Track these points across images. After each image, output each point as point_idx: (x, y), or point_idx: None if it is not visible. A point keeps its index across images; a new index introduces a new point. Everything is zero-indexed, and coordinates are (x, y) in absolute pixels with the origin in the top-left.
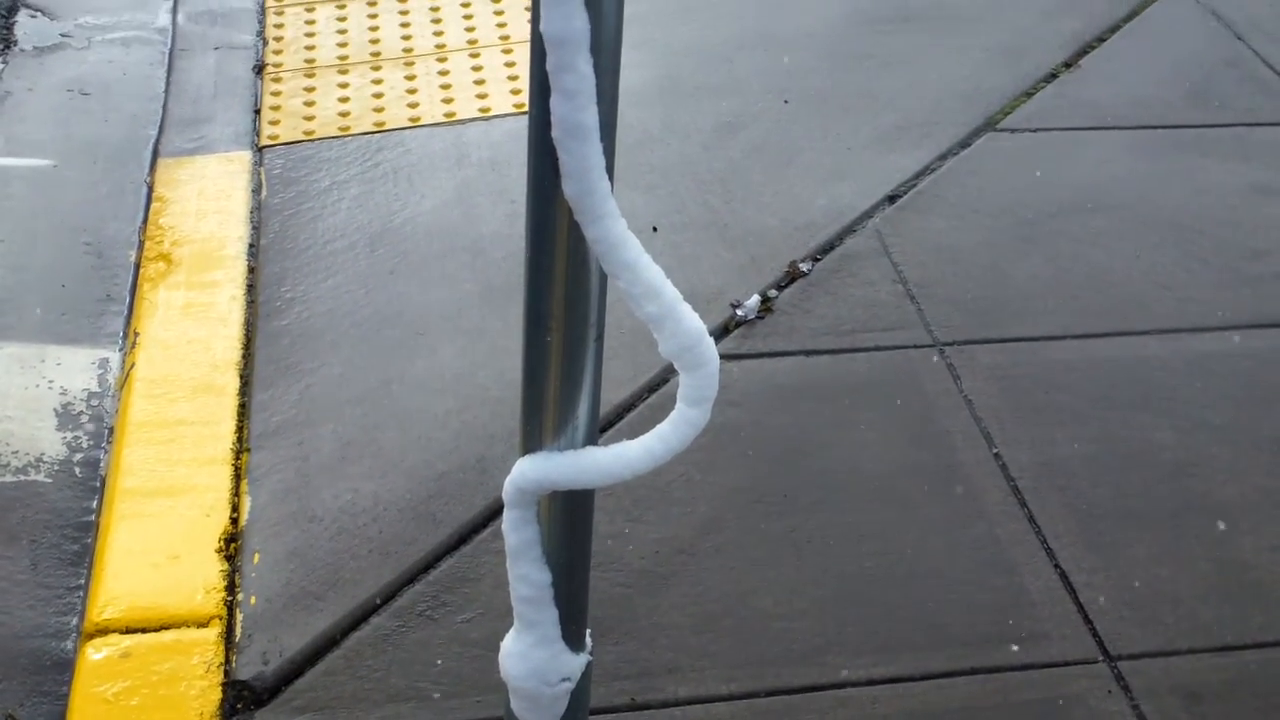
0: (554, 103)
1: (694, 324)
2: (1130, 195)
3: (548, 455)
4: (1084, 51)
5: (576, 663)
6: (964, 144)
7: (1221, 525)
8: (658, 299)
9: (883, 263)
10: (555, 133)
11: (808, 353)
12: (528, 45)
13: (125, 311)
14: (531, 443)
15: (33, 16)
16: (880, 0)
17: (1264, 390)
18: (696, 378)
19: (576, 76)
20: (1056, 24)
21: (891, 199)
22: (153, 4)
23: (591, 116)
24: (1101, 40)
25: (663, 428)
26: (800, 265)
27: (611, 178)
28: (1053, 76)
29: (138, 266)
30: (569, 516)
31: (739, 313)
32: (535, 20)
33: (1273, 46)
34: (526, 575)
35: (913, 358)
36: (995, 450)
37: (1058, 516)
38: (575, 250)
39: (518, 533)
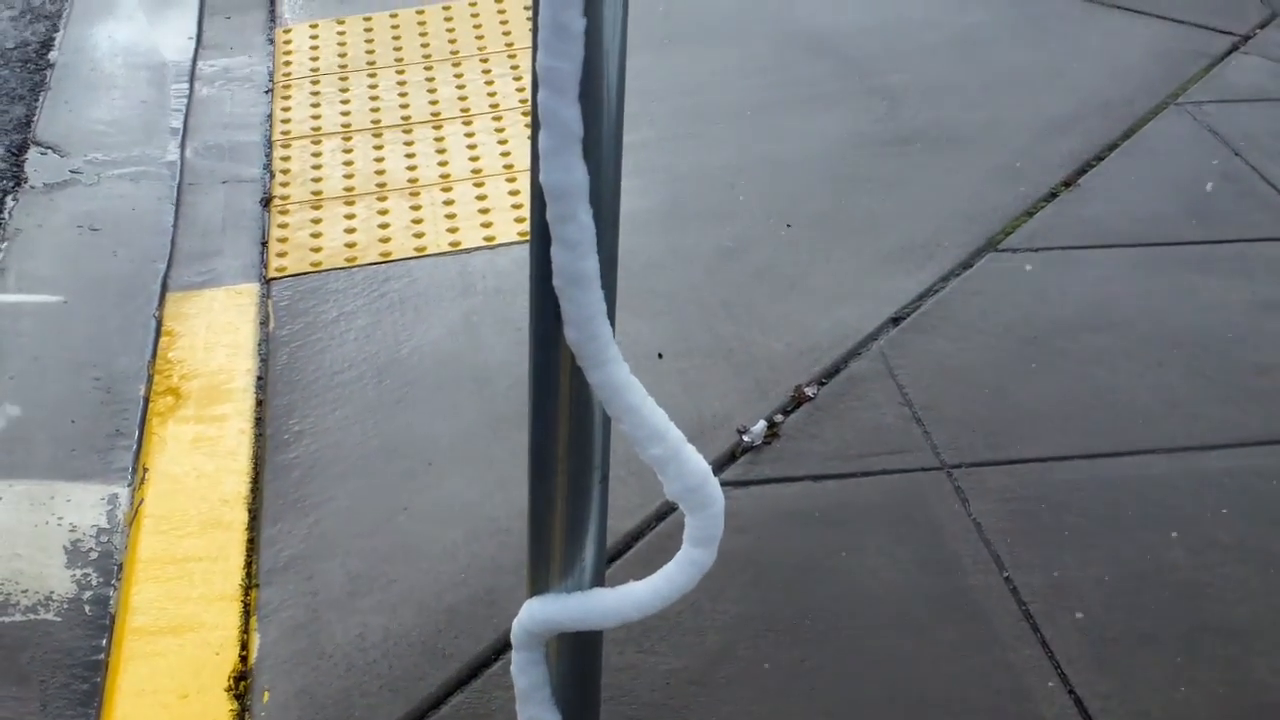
0: (555, 252)
1: (699, 466)
2: (1134, 313)
3: (555, 597)
4: (1083, 170)
5: None
6: (966, 264)
7: (1235, 647)
8: (662, 442)
9: (888, 385)
10: (557, 281)
11: (815, 478)
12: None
13: (134, 446)
14: (539, 584)
15: (43, 154)
16: (879, 122)
17: (1275, 508)
18: (702, 519)
19: (577, 226)
20: (1055, 143)
21: (895, 321)
22: (162, 139)
23: (592, 265)
24: (1100, 159)
25: (669, 568)
26: (806, 389)
27: (614, 312)
28: (1053, 196)
29: (146, 401)
30: (578, 655)
31: (745, 438)
32: (534, 171)
33: (1270, 162)
34: (536, 718)
35: (920, 481)
36: (1006, 574)
37: (1071, 640)
38: (578, 394)
39: (526, 675)
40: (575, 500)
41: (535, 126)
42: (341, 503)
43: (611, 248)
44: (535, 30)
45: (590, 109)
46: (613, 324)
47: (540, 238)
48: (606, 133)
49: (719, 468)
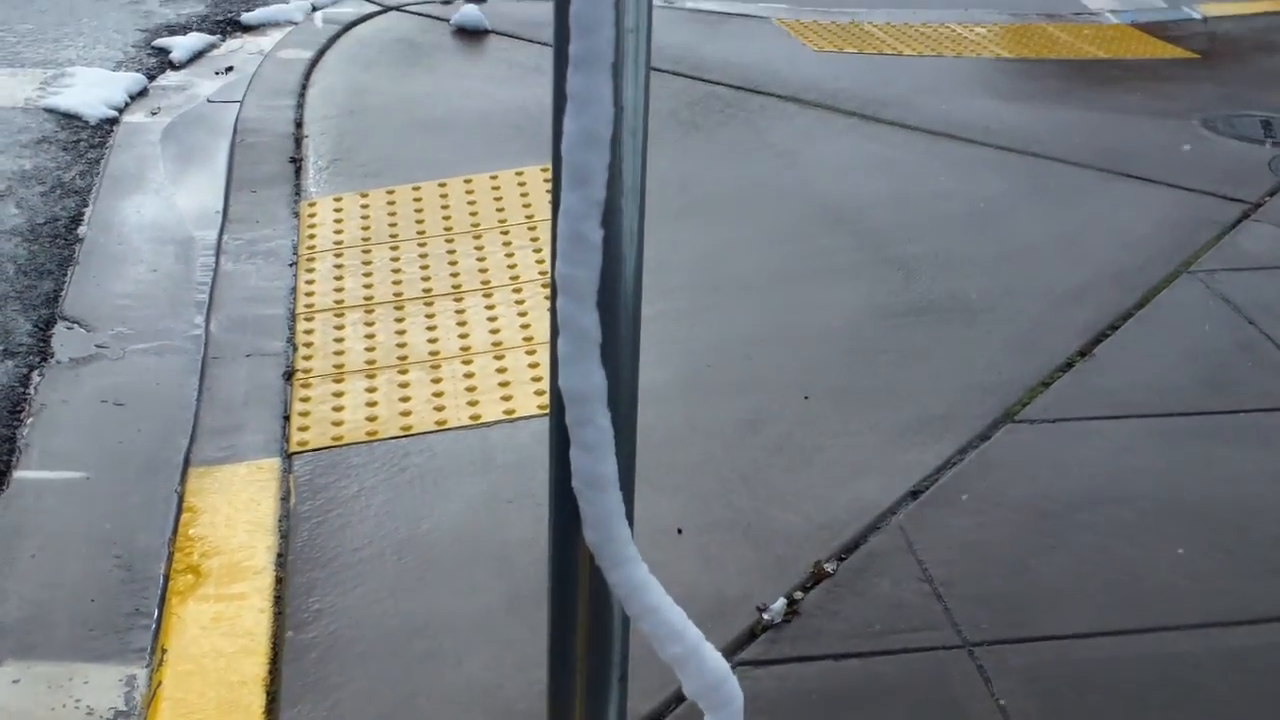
0: (574, 455)
1: (718, 664)
2: (1152, 485)
3: None
4: (1098, 340)
5: None
6: (984, 436)
7: None
8: (681, 641)
9: (908, 561)
10: (575, 483)
11: (836, 657)
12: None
13: (153, 626)
14: None
15: (70, 328)
16: (895, 293)
17: None
18: (722, 716)
19: (595, 430)
20: (1069, 313)
21: (914, 495)
22: (187, 313)
23: (611, 467)
24: (1114, 328)
25: None
26: (825, 565)
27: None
28: (1069, 366)
29: (166, 579)
30: None
31: (765, 617)
32: (554, 375)
33: None
34: None
35: (943, 659)
36: None
37: None
38: (598, 593)
39: None
40: (594, 698)
41: (554, 332)
42: (360, 685)
43: (630, 449)
44: (554, 238)
45: (608, 315)
46: (631, 498)
47: (559, 439)
48: (624, 338)
49: (739, 647)
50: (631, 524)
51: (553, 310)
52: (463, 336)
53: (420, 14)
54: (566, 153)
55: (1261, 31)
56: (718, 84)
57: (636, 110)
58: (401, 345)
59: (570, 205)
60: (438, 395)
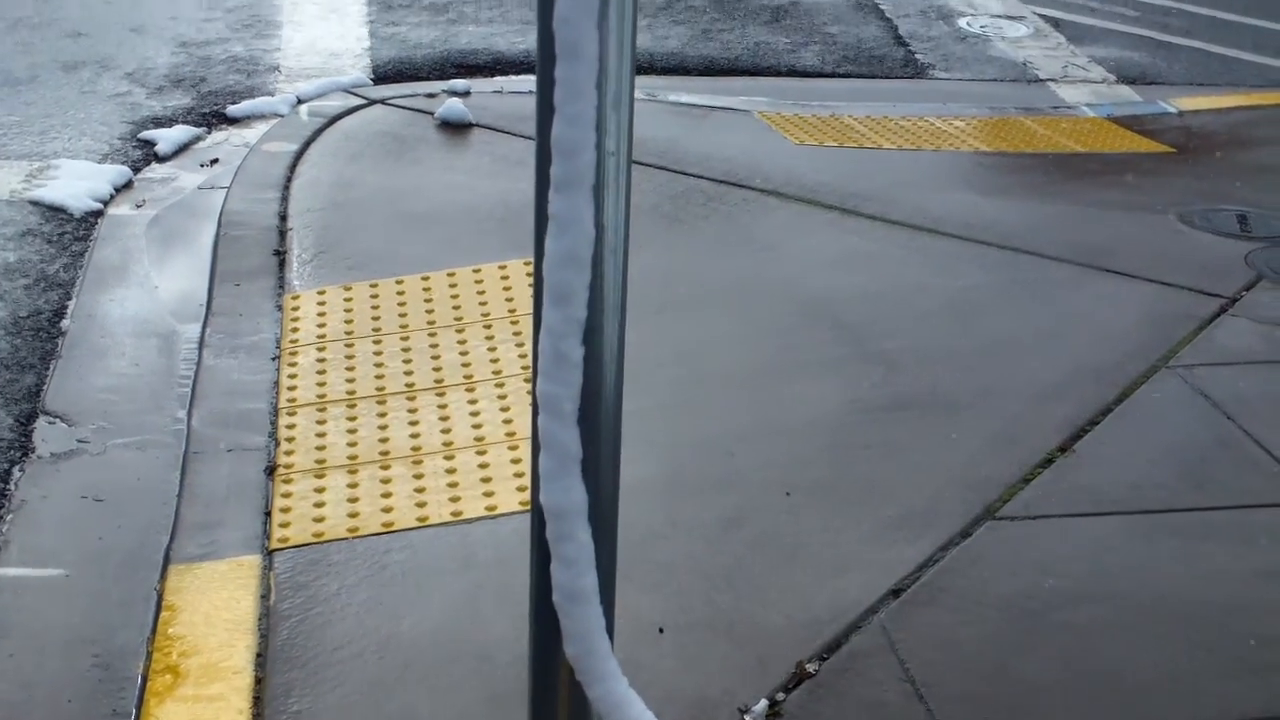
0: (554, 569)
1: None
2: (1133, 583)
3: None
4: (1078, 436)
5: None
6: (965, 533)
7: None
8: None
9: (890, 660)
10: (556, 597)
11: None
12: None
13: None
14: None
15: (51, 423)
16: (876, 389)
17: None
18: None
19: (576, 545)
20: (1049, 409)
21: (896, 593)
22: (169, 408)
23: (591, 581)
24: (1094, 424)
25: None
26: (807, 665)
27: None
28: (1049, 462)
29: (145, 679)
30: None
31: (747, 719)
32: (535, 490)
33: (1263, 427)
34: None
35: None
36: None
37: None
38: (578, 706)
39: None
40: None
41: (535, 448)
42: None
43: (610, 563)
44: (535, 356)
45: (589, 431)
46: (612, 604)
47: (540, 553)
48: (605, 453)
49: None
50: (612, 624)
51: (534, 426)
52: (445, 431)
53: (405, 107)
54: (548, 272)
55: (1236, 126)
56: (700, 178)
57: (617, 231)
58: (384, 440)
59: (552, 323)
60: (420, 491)
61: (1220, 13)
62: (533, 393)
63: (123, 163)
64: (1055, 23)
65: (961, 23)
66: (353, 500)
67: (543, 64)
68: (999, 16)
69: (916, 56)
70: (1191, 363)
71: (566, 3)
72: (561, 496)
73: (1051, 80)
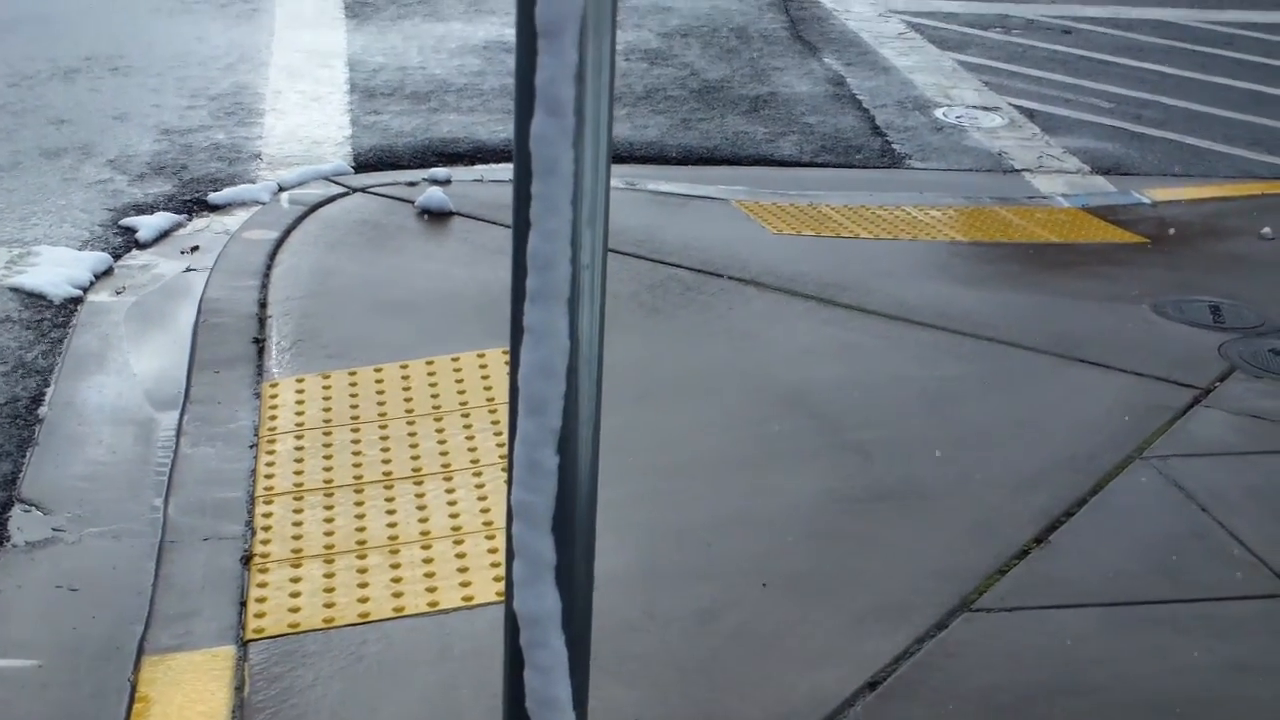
0: (528, 676)
1: None
2: (1107, 676)
3: None
4: (1053, 527)
5: None
6: (941, 625)
7: None
8: None
9: None
10: (529, 704)
11: None
12: None
13: None
14: None
15: (27, 511)
16: (853, 479)
17: None
18: None
19: (549, 652)
20: (1025, 499)
21: (872, 685)
22: (145, 496)
23: (565, 690)
24: (1069, 514)
25: None
26: None
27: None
28: (1024, 553)
29: None
30: None
31: None
32: (509, 598)
33: (1237, 518)
34: None
35: None
36: None
37: None
38: None
39: None
40: None
41: (510, 555)
42: None
43: (584, 669)
44: (510, 465)
45: (563, 538)
46: (586, 700)
47: (513, 658)
48: (579, 560)
49: None
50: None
51: (508, 533)
52: (422, 520)
53: (386, 195)
54: (523, 382)
55: (1209, 217)
56: (678, 266)
57: (591, 342)
58: (361, 529)
59: (527, 432)
60: (396, 581)
61: (1193, 105)
62: (508, 499)
63: (103, 249)
64: (1030, 113)
65: (938, 113)
66: (329, 590)
67: (519, 179)
68: (974, 107)
69: (893, 146)
70: (1166, 453)
71: (543, 121)
72: (535, 603)
73: (1027, 170)
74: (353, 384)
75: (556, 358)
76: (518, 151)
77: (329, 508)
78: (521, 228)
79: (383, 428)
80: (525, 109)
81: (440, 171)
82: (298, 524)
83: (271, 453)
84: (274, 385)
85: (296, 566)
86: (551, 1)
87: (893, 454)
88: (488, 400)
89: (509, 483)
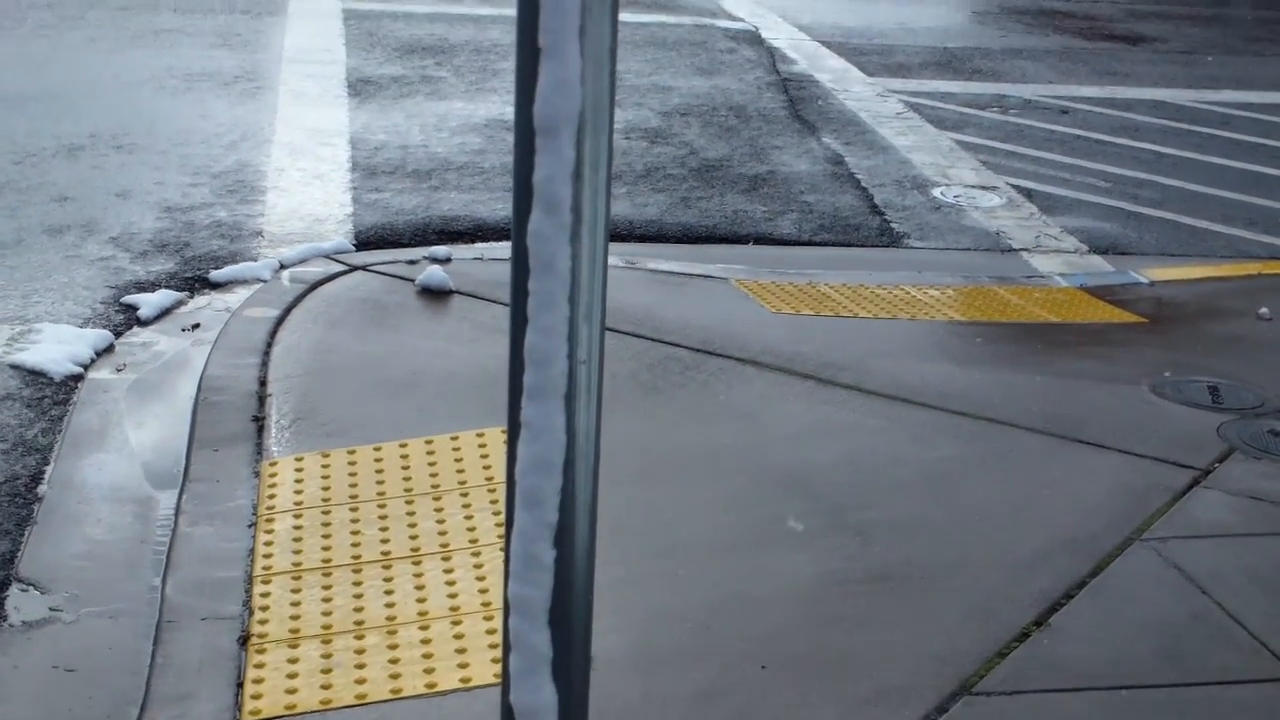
0: None
1: None
2: None
3: None
4: (1053, 609)
5: None
6: (941, 709)
7: None
8: None
9: None
10: None
11: None
12: None
13: None
14: None
15: (24, 590)
16: (852, 560)
17: None
18: None
19: None
20: (1025, 581)
21: None
22: (143, 575)
23: None
24: (1069, 597)
25: None
26: None
27: None
28: (1024, 636)
29: None
30: None
31: None
32: (505, 692)
33: (1238, 601)
34: None
35: None
36: None
37: None
38: None
39: None
40: None
41: (507, 648)
42: None
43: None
44: (507, 558)
45: (560, 632)
46: None
47: None
48: (575, 653)
49: None
50: None
51: (504, 628)
52: (420, 600)
53: (386, 274)
54: (520, 477)
55: (1206, 296)
56: (677, 346)
57: (588, 436)
58: (359, 609)
59: (524, 527)
60: (394, 661)
61: (1190, 185)
62: (504, 593)
63: (105, 327)
64: (1028, 193)
65: (936, 192)
66: (326, 671)
67: (517, 275)
68: (973, 187)
69: (892, 226)
70: (1165, 535)
71: (541, 219)
72: (532, 696)
73: (1025, 250)
74: (352, 463)
75: (553, 452)
76: (515, 248)
77: (327, 587)
78: (519, 323)
79: (381, 507)
80: (523, 206)
81: (440, 250)
82: (295, 604)
83: (270, 532)
84: (273, 464)
85: (294, 647)
86: (549, 101)
87: (892, 535)
88: (487, 480)
89: (506, 576)
